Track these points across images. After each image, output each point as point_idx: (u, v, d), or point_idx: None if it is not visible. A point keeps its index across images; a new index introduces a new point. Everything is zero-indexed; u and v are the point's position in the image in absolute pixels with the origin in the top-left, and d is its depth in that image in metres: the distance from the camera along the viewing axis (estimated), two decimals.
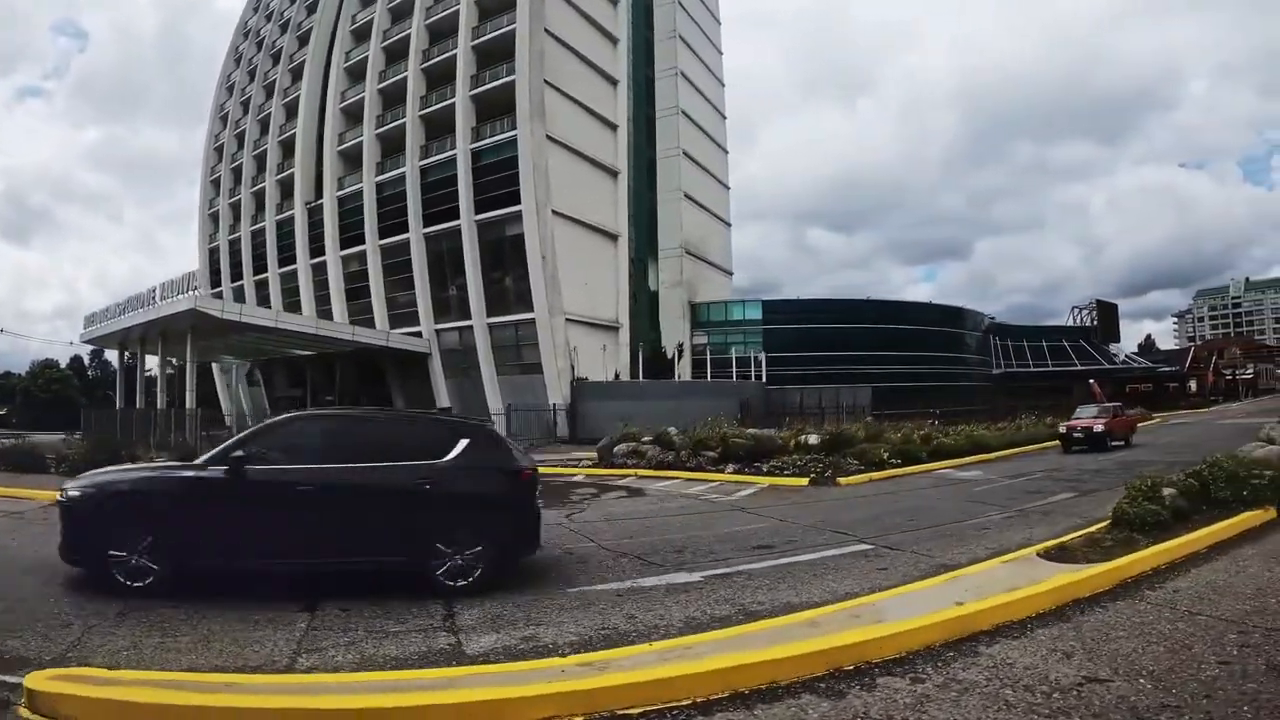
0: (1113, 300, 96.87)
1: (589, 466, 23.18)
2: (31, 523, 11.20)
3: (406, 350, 44.87)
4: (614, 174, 48.91)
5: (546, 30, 43.64)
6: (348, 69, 53.00)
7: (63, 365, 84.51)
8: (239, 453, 7.05)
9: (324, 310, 50.42)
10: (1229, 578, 6.69)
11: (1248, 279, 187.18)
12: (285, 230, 55.03)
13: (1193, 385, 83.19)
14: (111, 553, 6.65)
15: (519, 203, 41.08)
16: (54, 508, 7.57)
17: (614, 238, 48.13)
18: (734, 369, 50.67)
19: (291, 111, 56.57)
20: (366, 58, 51.22)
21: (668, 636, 5.56)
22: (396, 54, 49.80)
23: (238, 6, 70.35)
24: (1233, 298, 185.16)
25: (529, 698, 4.26)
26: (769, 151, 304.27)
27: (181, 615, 6.09)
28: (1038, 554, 7.52)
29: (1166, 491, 8.73)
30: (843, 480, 16.99)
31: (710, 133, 63.82)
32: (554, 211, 41.80)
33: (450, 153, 44.46)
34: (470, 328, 43.29)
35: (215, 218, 64.25)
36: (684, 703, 4.26)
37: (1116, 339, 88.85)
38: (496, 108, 43.29)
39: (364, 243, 48.42)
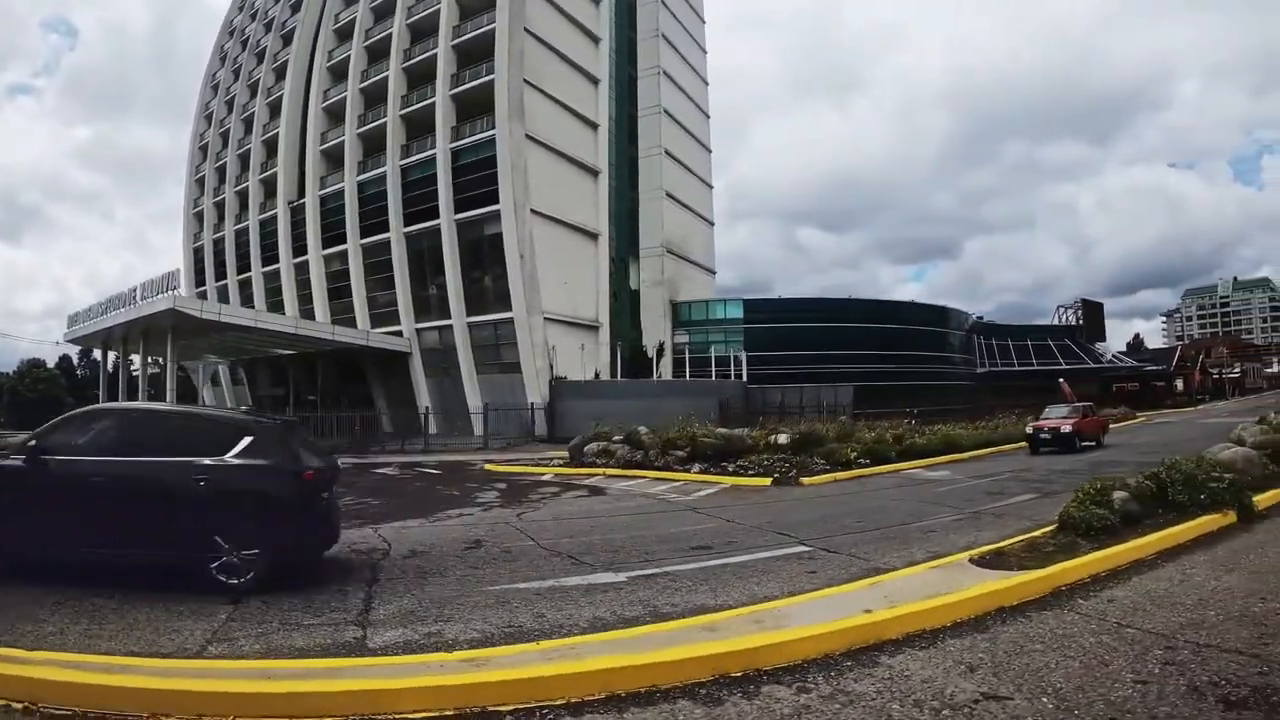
0: (1103, 300, 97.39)
1: (559, 465, 23.26)
2: None
3: (387, 349, 44.92)
4: (595, 173, 48.91)
5: (526, 29, 43.66)
6: (330, 68, 52.98)
7: (52, 365, 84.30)
8: (34, 443, 7.19)
9: (306, 310, 50.46)
10: (1171, 587, 6.44)
11: (1235, 278, 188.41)
12: (268, 229, 55.03)
13: (1179, 384, 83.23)
14: None
15: (498, 202, 41.13)
16: None
17: (594, 237, 48.15)
18: (716, 368, 50.51)
19: (275, 110, 56.54)
20: (349, 57, 51.21)
21: (570, 635, 5.61)
22: (378, 53, 49.80)
23: (226, 4, 70.15)
24: (1221, 297, 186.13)
25: (403, 690, 4.34)
26: (762, 151, 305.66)
27: (114, 605, 6.37)
28: (970, 559, 7.33)
29: (1117, 495, 8.51)
30: (806, 480, 16.93)
31: (693, 131, 63.84)
32: (533, 211, 41.82)
33: (430, 152, 44.49)
34: (450, 327, 43.32)
35: (200, 217, 64.27)
36: (557, 702, 4.27)
37: (1102, 338, 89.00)
38: (476, 107, 43.31)
39: (345, 242, 48.42)
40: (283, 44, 58.11)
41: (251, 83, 60.40)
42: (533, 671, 4.56)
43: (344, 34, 52.92)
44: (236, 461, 7.20)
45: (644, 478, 19.27)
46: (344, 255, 48.63)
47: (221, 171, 61.76)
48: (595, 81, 49.99)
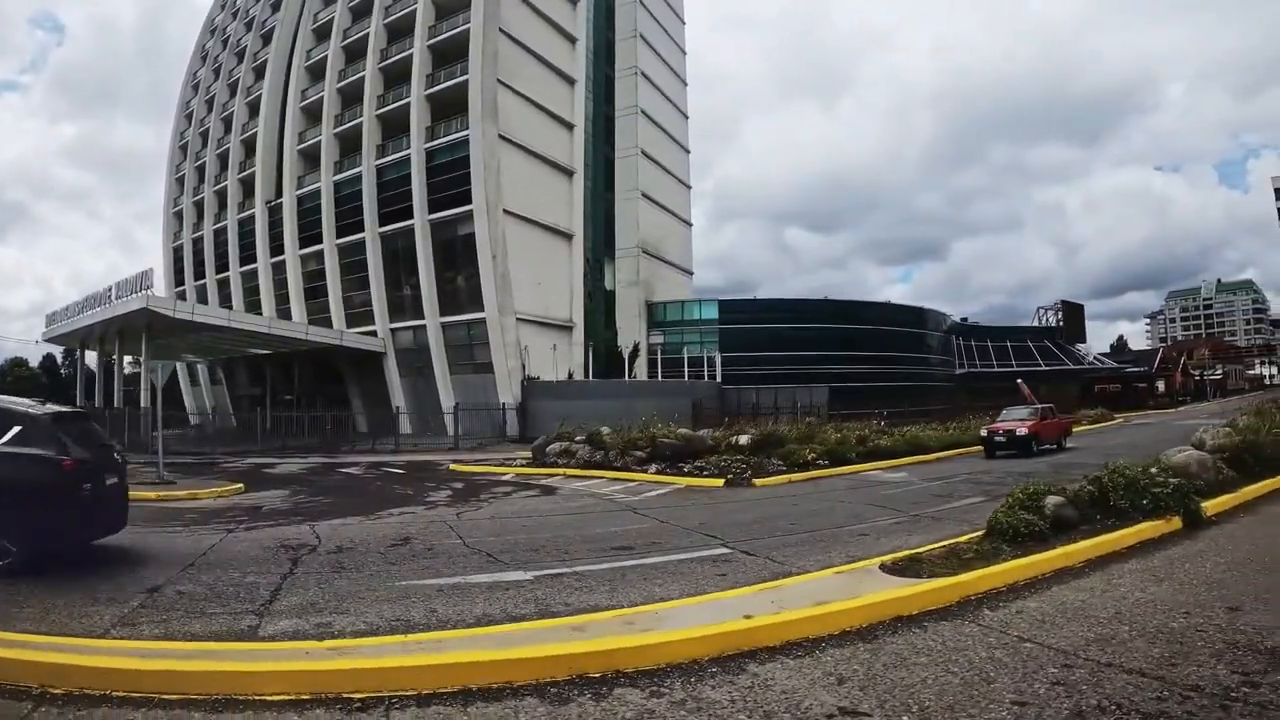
0: (1089, 301, 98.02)
1: (522, 466, 23.36)
2: None
3: (361, 349, 44.91)
4: (570, 174, 48.98)
5: (502, 30, 43.74)
6: (309, 68, 52.94)
7: (36, 364, 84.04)
8: None
9: (284, 310, 50.39)
10: (1091, 598, 6.09)
11: (1219, 281, 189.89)
12: (246, 229, 54.91)
13: (1161, 386, 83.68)
14: None
15: (471, 202, 41.20)
16: None
17: (569, 237, 48.21)
18: (691, 369, 50.64)
19: (254, 110, 56.39)
20: (326, 56, 51.20)
21: (448, 630, 5.74)
22: (356, 53, 49.76)
23: (210, 1, 69.94)
24: (1204, 299, 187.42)
25: (264, 673, 4.54)
26: (750, 152, 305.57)
27: (39, 590, 6.80)
28: (881, 565, 7.09)
29: (1050, 500, 8.22)
30: (759, 482, 16.99)
31: (671, 132, 63.96)
32: (506, 211, 41.91)
33: (405, 152, 44.53)
34: (424, 327, 43.36)
35: (180, 216, 64.08)
36: (408, 693, 4.36)
37: (1083, 339, 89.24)
38: (451, 107, 43.37)
39: (322, 242, 48.36)
40: (262, 43, 57.96)
41: (231, 82, 60.26)
42: (390, 662, 4.72)
43: (322, 33, 52.85)
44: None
45: (601, 478, 19.42)
46: (320, 255, 48.55)
47: (201, 171, 61.56)
48: (571, 82, 50.08)
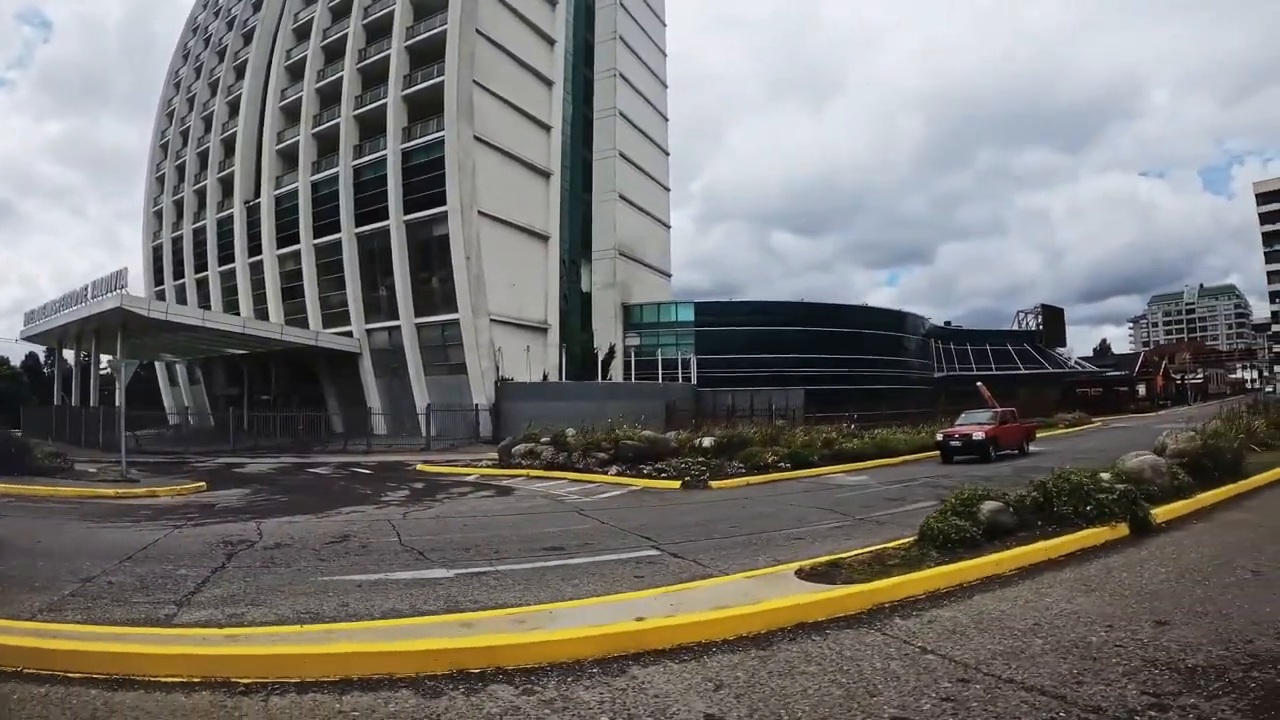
0: (1074, 306, 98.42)
1: (488, 466, 23.50)
2: None
3: (337, 350, 44.85)
4: (547, 175, 49.02)
5: (479, 31, 43.79)
6: (288, 67, 52.80)
7: (19, 363, 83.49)
8: None
9: (261, 310, 50.32)
10: (1012, 608, 5.89)
11: (1201, 285, 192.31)
12: (225, 229, 54.78)
13: (1142, 389, 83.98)
14: None
15: (446, 203, 41.26)
16: None
17: (544, 239, 48.27)
18: (666, 371, 50.66)
19: (234, 109, 56.17)
20: (306, 56, 51.03)
21: (362, 621, 5.96)
22: (335, 53, 49.68)
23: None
24: (1186, 304, 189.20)
25: (158, 656, 4.85)
26: (738, 153, 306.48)
27: None
28: (799, 570, 6.93)
29: (986, 506, 8.05)
30: (715, 484, 17.03)
31: (650, 134, 64.11)
32: (481, 212, 41.94)
33: (382, 153, 44.49)
34: (399, 328, 43.35)
35: (160, 215, 63.75)
36: (291, 680, 4.56)
37: (1063, 343, 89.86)
38: (428, 108, 43.38)
39: (299, 242, 48.27)
40: (244, 42, 57.81)
41: (212, 81, 60.09)
42: (278, 650, 5.00)
43: (302, 33, 52.71)
44: None
45: (562, 479, 19.60)
46: (298, 255, 48.42)
47: (181, 170, 61.32)
48: (549, 83, 50.15)
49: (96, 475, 19.37)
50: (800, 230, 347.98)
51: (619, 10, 59.46)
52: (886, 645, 5.09)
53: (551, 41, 50.86)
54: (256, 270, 51.60)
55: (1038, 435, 32.13)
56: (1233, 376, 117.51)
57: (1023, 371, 74.50)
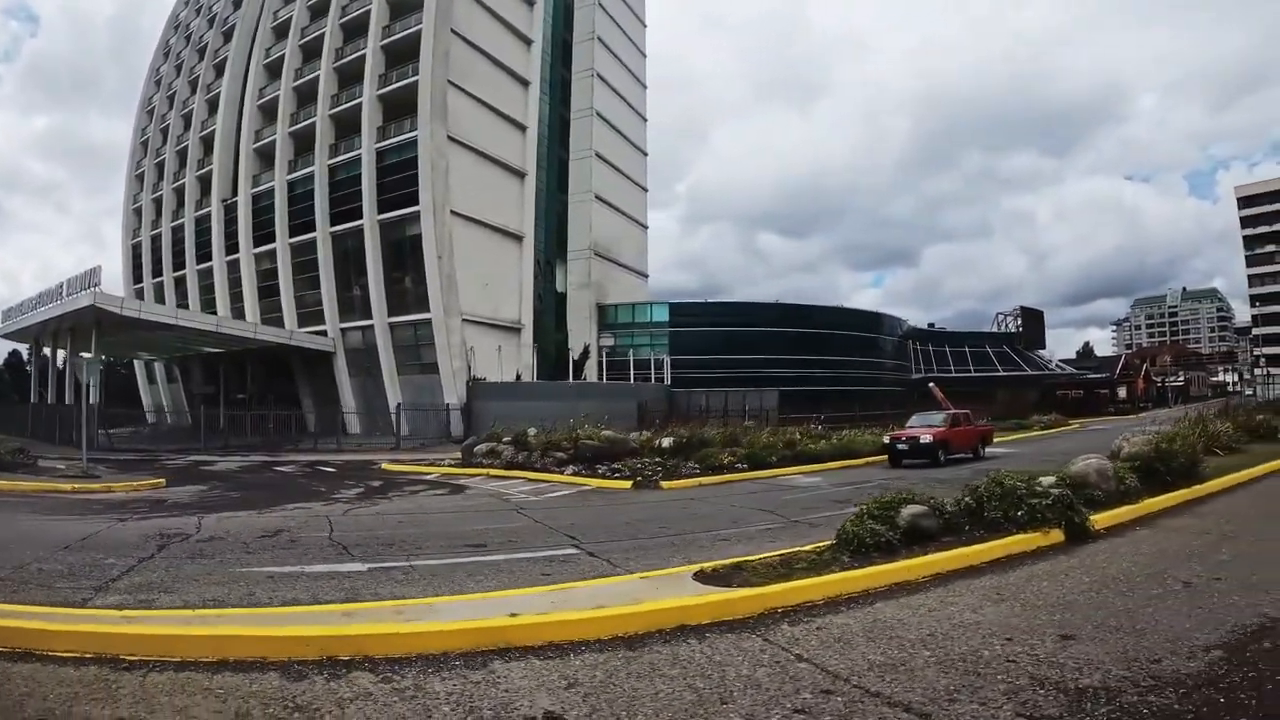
0: (1059, 308, 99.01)
1: (450, 465, 23.74)
2: None
3: (311, 349, 45.02)
4: (522, 175, 49.08)
5: (454, 31, 43.96)
6: (267, 65, 52.81)
7: (2, 360, 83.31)
8: None
9: (238, 308, 50.41)
10: (911, 616, 5.68)
11: (1184, 289, 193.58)
12: (203, 227, 54.82)
13: (1122, 392, 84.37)
14: None
15: (419, 203, 41.46)
16: None
17: (519, 239, 48.37)
18: (641, 371, 50.83)
19: (213, 107, 56.21)
20: (284, 55, 51.05)
21: (262, 607, 6.28)
22: (312, 52, 49.73)
23: None
24: (1169, 307, 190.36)
25: (56, 632, 5.23)
26: (725, 154, 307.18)
27: None
28: (698, 571, 6.83)
29: (907, 510, 7.84)
30: (667, 484, 17.07)
31: (628, 135, 64.25)
32: (454, 212, 42.17)
33: (357, 152, 44.65)
34: (372, 327, 43.50)
35: (139, 213, 63.71)
36: (174, 659, 4.86)
37: (1042, 345, 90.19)
38: (403, 108, 43.53)
39: (275, 241, 48.35)
40: (223, 40, 57.78)
41: (192, 79, 60.05)
42: (165, 630, 5.34)
43: (281, 31, 52.71)
44: None
45: (519, 478, 19.80)
46: (274, 254, 48.48)
47: (161, 167, 61.31)
48: (525, 83, 50.22)
49: (60, 471, 19.65)
50: (787, 231, 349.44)
51: (598, 10, 59.64)
52: (761, 652, 4.94)
53: (529, 41, 50.93)
54: (234, 269, 51.69)
55: (1011, 437, 32.29)
56: (1214, 379, 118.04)
57: (1001, 374, 74.85)
